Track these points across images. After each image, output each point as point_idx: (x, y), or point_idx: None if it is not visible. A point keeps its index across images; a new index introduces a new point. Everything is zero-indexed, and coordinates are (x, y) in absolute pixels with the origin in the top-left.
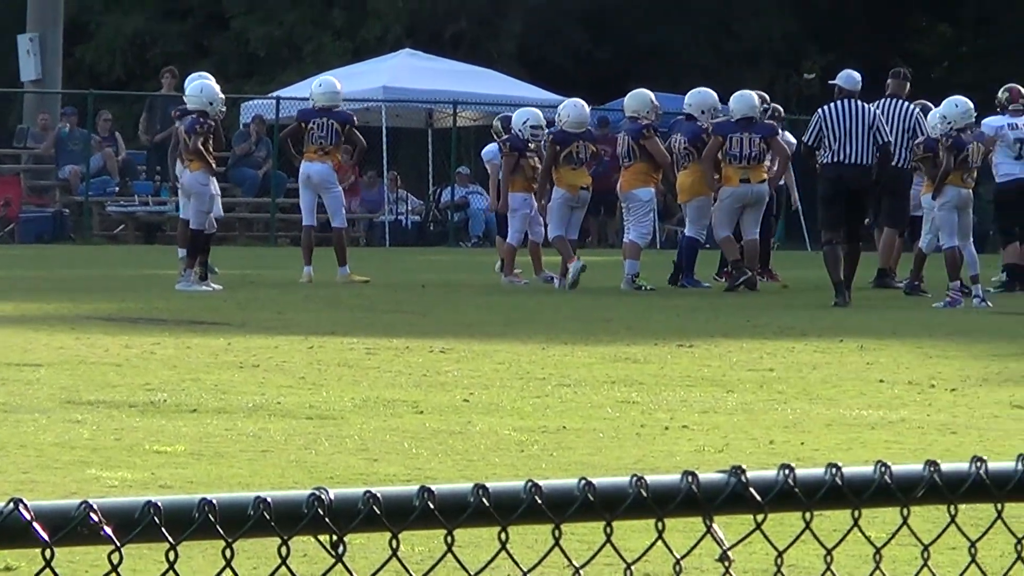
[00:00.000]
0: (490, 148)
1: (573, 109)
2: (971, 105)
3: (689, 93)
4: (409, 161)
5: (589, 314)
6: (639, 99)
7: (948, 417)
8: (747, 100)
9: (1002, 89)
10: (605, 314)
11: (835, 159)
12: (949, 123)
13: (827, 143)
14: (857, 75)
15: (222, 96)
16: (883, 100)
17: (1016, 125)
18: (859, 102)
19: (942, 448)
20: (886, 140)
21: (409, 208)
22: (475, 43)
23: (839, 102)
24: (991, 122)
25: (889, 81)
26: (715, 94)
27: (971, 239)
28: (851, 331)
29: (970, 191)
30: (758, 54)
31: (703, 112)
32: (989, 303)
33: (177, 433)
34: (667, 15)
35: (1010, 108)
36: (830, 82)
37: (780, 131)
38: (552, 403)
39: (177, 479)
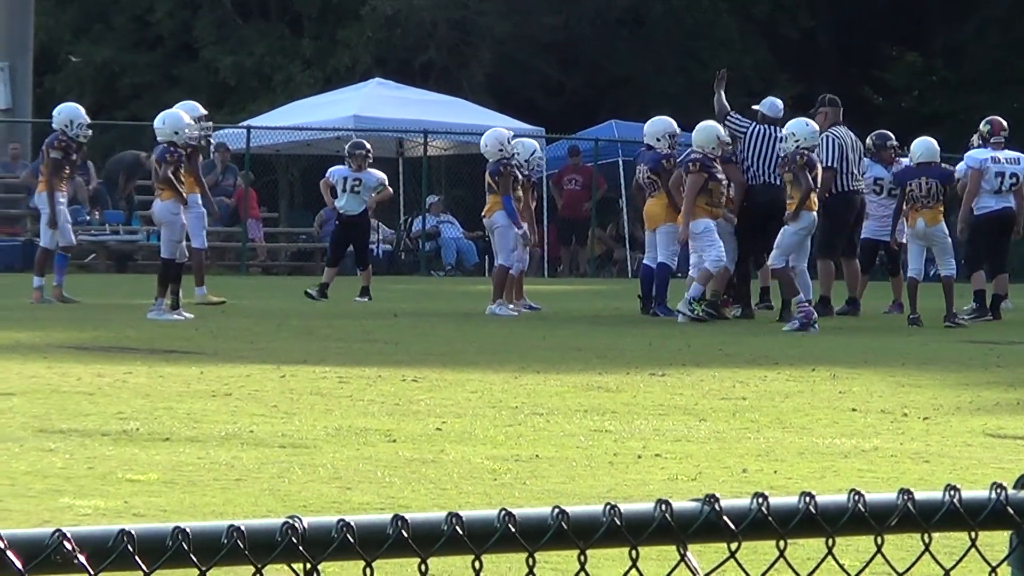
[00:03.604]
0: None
1: None
2: (816, 127)
3: (647, 122)
4: None
5: (562, 343)
6: (706, 133)
7: (921, 446)
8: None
9: (983, 121)
10: (577, 343)
11: (751, 183)
12: (796, 141)
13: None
14: (780, 103)
15: (189, 121)
16: (836, 128)
17: (999, 159)
18: (778, 129)
19: (915, 477)
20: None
21: (380, 237)
22: (445, 73)
23: (760, 127)
24: (975, 155)
25: (827, 110)
26: (673, 121)
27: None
28: (824, 360)
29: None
30: (728, 83)
31: (659, 140)
32: (813, 328)
33: (150, 461)
34: (636, 45)
35: (991, 141)
36: (753, 107)
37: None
38: (525, 432)
39: (150, 507)
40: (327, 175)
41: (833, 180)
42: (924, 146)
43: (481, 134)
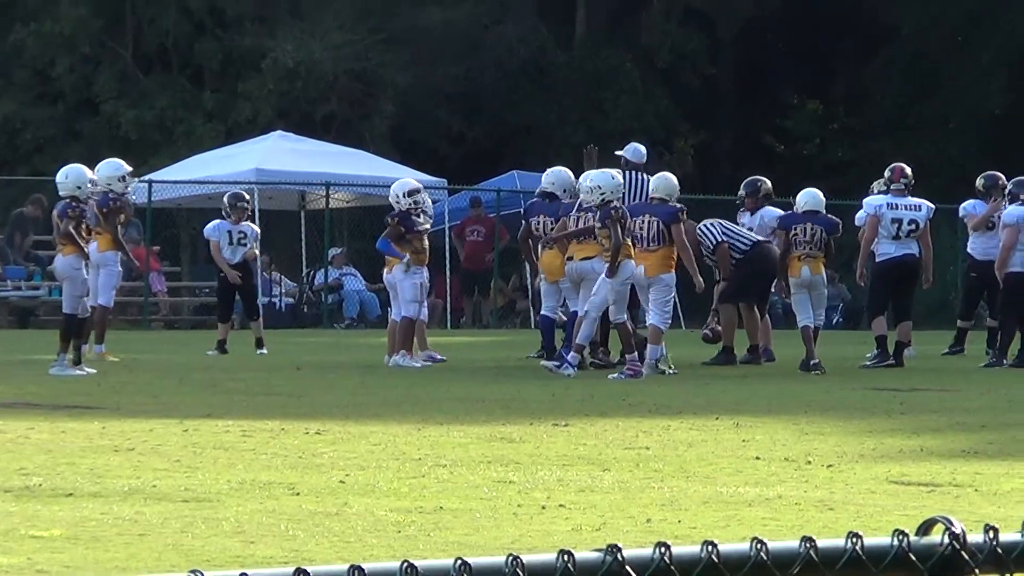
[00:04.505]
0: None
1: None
2: (620, 179)
3: (547, 172)
4: (282, 243)
5: (465, 394)
6: (669, 182)
7: (825, 493)
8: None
9: (888, 168)
10: (481, 394)
11: None
12: (603, 194)
13: None
14: (643, 149)
15: (91, 176)
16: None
17: (896, 205)
18: (643, 175)
19: (819, 524)
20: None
21: (283, 290)
22: (346, 124)
23: (626, 173)
24: (871, 201)
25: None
26: (571, 173)
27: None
28: (727, 408)
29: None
30: (630, 132)
31: (564, 191)
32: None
33: (53, 518)
34: (538, 94)
35: (892, 187)
36: (616, 152)
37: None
38: (428, 483)
39: (54, 564)
40: (207, 233)
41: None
42: (809, 195)
43: (383, 186)
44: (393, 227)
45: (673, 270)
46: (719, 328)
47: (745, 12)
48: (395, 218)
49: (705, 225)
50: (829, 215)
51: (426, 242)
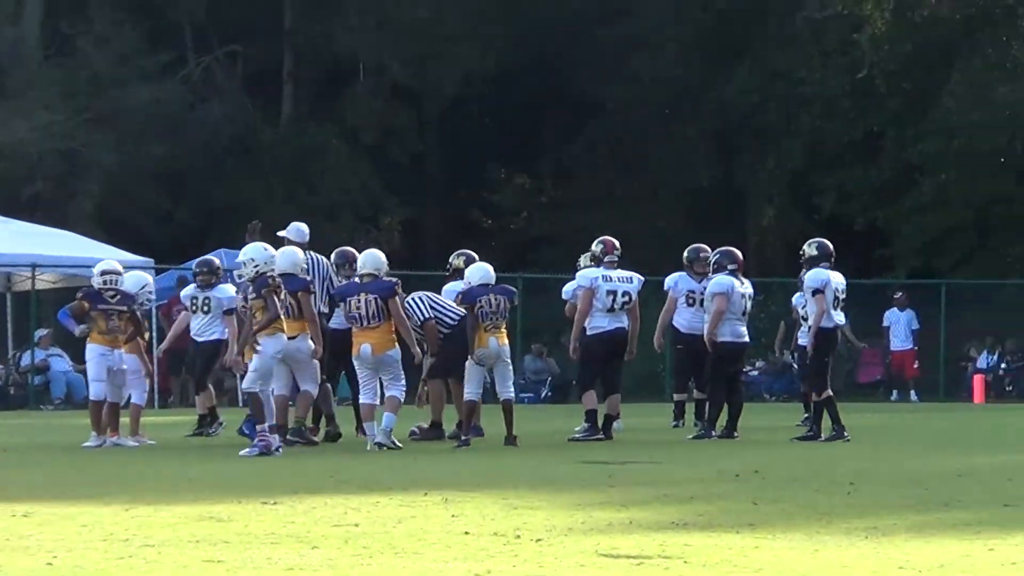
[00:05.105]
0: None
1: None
2: (273, 252)
3: (282, 253)
4: None
5: (174, 473)
6: (376, 257)
7: (535, 567)
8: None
9: (596, 242)
10: (189, 473)
11: None
12: (256, 267)
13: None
14: (305, 228)
15: None
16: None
17: (610, 277)
18: (317, 256)
19: None
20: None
21: None
22: (52, 204)
23: (306, 252)
24: (587, 274)
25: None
26: (300, 252)
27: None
28: (436, 484)
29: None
30: (338, 208)
31: (302, 269)
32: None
33: None
34: (244, 172)
35: (605, 260)
36: (278, 233)
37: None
38: (136, 564)
39: None
40: None
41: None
42: (481, 271)
43: (89, 266)
44: (77, 302)
45: (396, 344)
46: (424, 427)
47: (452, 89)
48: (82, 294)
49: (413, 299)
50: (505, 284)
51: (115, 322)
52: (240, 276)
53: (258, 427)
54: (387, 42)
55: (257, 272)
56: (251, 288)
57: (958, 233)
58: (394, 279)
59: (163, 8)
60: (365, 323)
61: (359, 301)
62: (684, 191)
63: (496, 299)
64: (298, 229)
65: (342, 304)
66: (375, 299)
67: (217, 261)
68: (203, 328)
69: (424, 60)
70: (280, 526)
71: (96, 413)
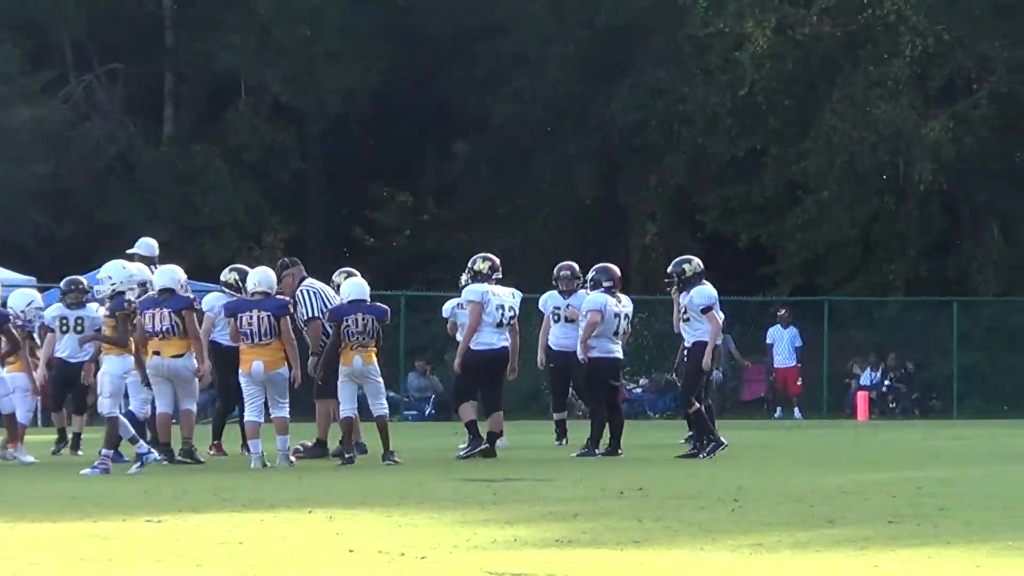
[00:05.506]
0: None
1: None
2: (132, 270)
3: (161, 271)
4: None
5: (56, 491)
6: (268, 275)
7: None
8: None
9: (479, 258)
10: (72, 491)
11: None
12: (113, 284)
13: None
14: (154, 242)
15: None
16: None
17: (496, 293)
18: (313, 287)
19: None
20: None
21: None
22: None
23: (151, 267)
24: (475, 288)
25: (292, 270)
26: (180, 269)
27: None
28: (321, 501)
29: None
30: (220, 227)
31: (182, 286)
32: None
33: None
34: (127, 192)
35: (493, 276)
36: (127, 251)
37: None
38: None
39: None
40: None
41: (320, 328)
42: (354, 285)
43: None
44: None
45: (286, 363)
46: (308, 444)
47: (334, 107)
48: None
49: (306, 290)
50: (376, 303)
51: None
52: (99, 293)
53: (104, 451)
54: (268, 60)
55: (114, 290)
56: (107, 305)
57: (841, 250)
58: (286, 298)
59: (44, 27)
60: (257, 340)
61: (251, 317)
62: (567, 208)
63: (364, 319)
64: (147, 244)
65: (231, 320)
66: (268, 316)
67: (85, 280)
68: (76, 350)
69: (305, 78)
70: (165, 544)
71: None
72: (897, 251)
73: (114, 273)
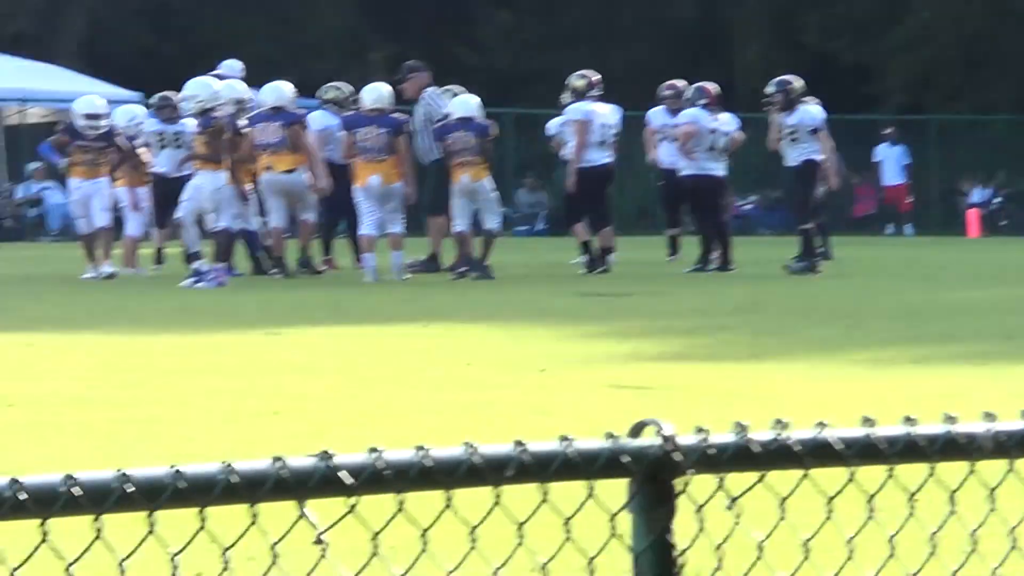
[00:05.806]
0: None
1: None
2: (218, 88)
3: (269, 87)
4: None
5: (176, 304)
6: (384, 93)
7: (538, 398)
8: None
9: (576, 75)
10: (192, 303)
11: None
12: (199, 101)
13: None
14: (238, 63)
15: None
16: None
17: (599, 111)
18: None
19: (534, 429)
20: None
21: None
22: (37, 41)
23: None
24: (580, 107)
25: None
26: (290, 85)
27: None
28: (437, 314)
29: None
30: (321, 45)
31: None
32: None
33: None
34: (228, 9)
35: (589, 95)
36: (212, 74)
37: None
38: (142, 393)
39: None
40: None
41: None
42: (462, 103)
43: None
44: (57, 135)
45: (402, 179)
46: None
47: None
48: (62, 128)
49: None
50: (480, 120)
51: (89, 156)
52: (185, 111)
53: (216, 265)
54: None
55: (202, 108)
56: (198, 123)
57: (945, 67)
58: (403, 116)
59: None
60: (374, 155)
61: (368, 133)
62: (668, 26)
63: (465, 136)
64: (231, 66)
65: (348, 134)
66: (385, 133)
67: (175, 95)
68: (175, 165)
69: None
70: (283, 356)
71: (87, 245)
72: (1001, 70)
73: (200, 91)
